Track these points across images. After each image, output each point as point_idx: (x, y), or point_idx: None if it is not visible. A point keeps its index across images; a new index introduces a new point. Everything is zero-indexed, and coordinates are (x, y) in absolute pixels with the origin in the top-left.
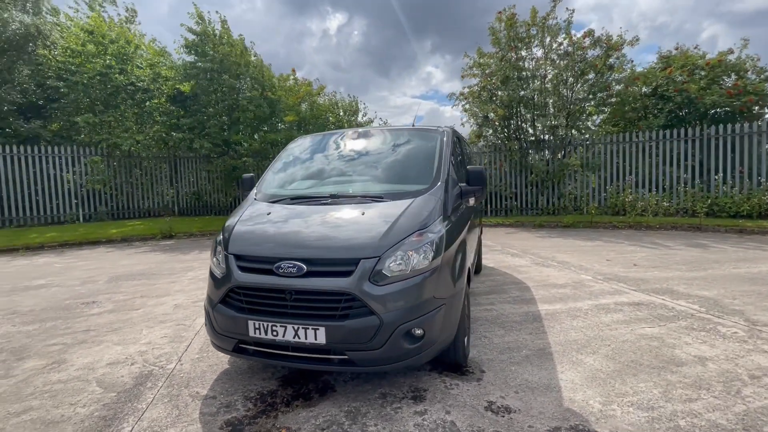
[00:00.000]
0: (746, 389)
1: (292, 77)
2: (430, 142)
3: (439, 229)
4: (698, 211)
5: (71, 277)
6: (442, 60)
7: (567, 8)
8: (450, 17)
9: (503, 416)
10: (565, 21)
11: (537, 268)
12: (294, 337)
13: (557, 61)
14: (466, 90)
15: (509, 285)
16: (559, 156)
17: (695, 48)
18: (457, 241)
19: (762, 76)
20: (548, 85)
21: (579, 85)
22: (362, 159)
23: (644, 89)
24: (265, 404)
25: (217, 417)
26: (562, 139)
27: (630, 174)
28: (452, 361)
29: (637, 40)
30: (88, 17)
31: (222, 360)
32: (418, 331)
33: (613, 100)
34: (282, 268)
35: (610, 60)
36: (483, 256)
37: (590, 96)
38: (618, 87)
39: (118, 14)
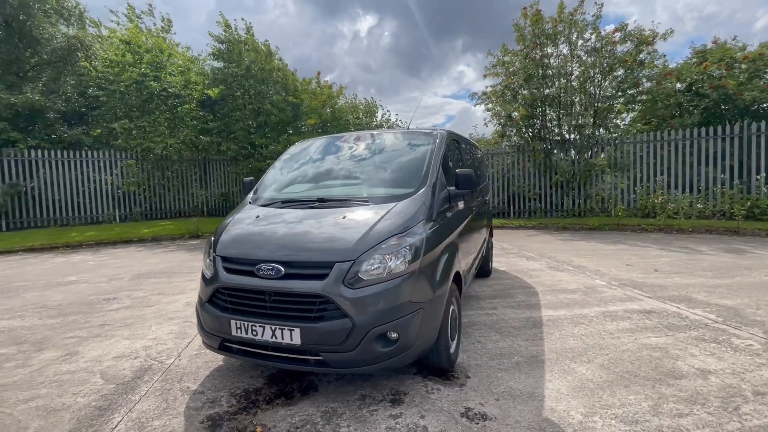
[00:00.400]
0: (746, 406)
1: (314, 80)
2: (421, 145)
3: (420, 232)
4: (736, 214)
5: (100, 275)
6: (474, 59)
7: (596, 2)
8: (481, 15)
9: (477, 423)
10: (593, 16)
11: (550, 272)
12: (272, 337)
13: (584, 58)
14: (489, 89)
15: (517, 289)
16: (586, 156)
17: (733, 39)
18: (442, 245)
19: None
20: (574, 83)
21: (607, 81)
22: (354, 163)
23: (678, 85)
24: (248, 401)
25: (201, 411)
26: (588, 138)
27: (661, 174)
28: (436, 366)
29: (671, 32)
30: (126, 29)
31: (217, 357)
32: (393, 335)
33: (644, 97)
34: (262, 270)
35: (641, 55)
36: (495, 259)
37: (619, 93)
38: (649, 83)
39: (155, 24)
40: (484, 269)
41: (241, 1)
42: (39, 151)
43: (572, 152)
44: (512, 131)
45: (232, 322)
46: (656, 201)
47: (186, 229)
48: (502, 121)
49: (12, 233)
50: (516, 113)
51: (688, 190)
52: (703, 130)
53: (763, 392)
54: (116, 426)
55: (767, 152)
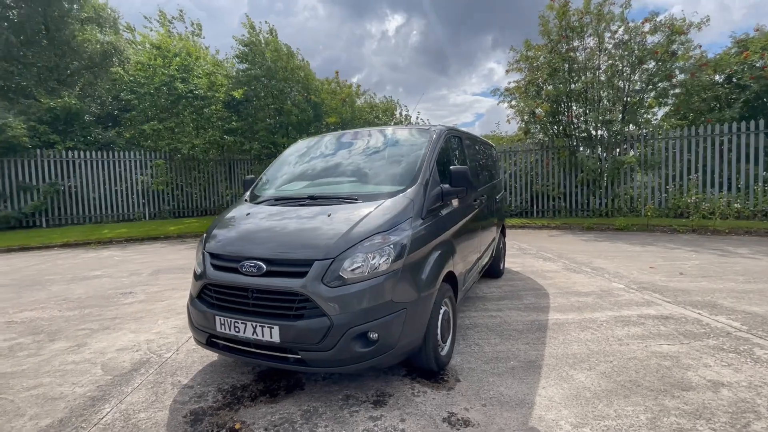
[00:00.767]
0: (757, 423)
1: (334, 80)
2: (417, 142)
3: (406, 231)
4: None
5: (122, 270)
6: (504, 55)
7: None
8: (511, 11)
9: (458, 430)
10: (621, 6)
11: (566, 273)
12: (253, 334)
13: (612, 51)
14: (512, 85)
15: (527, 291)
16: (614, 153)
17: None
18: (432, 244)
19: None
20: (602, 77)
21: (636, 75)
22: (348, 160)
23: (716, 77)
24: (234, 397)
25: (186, 406)
26: (616, 135)
27: (696, 172)
28: (425, 368)
29: (707, 21)
30: (158, 33)
31: (212, 353)
32: (373, 335)
33: (678, 90)
34: (245, 267)
35: (674, 46)
36: (511, 260)
37: (649, 87)
38: (682, 76)
39: (186, 28)
40: (494, 270)
41: (272, 4)
42: (76, 152)
43: (599, 149)
44: (536, 128)
45: (217, 318)
46: (689, 200)
47: None
48: (525, 117)
49: (51, 230)
50: (540, 109)
51: (725, 189)
52: (743, 124)
53: None
54: (104, 416)
55: None
